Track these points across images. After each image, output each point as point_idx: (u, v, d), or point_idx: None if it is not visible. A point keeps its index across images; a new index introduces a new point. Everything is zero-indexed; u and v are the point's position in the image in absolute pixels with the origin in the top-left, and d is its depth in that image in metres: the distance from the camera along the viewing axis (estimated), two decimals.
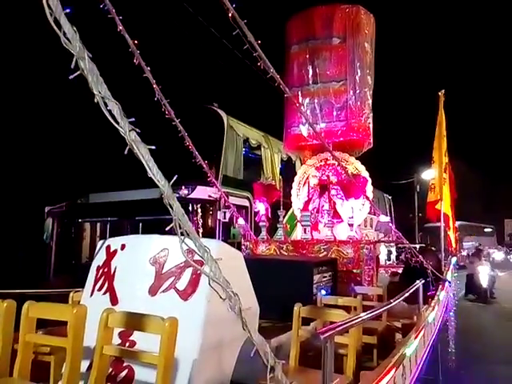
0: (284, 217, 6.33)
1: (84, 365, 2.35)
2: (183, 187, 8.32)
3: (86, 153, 10.57)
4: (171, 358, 1.95)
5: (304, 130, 6.50)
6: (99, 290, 2.86)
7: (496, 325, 11.47)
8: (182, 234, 1.58)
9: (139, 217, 8.95)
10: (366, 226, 8.50)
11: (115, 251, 2.96)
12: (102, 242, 3.11)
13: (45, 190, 10.02)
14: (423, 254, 7.65)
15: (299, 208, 6.48)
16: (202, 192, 8.54)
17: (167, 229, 1.59)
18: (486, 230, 50.57)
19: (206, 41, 15.54)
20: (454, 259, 9.47)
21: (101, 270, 2.95)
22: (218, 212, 8.62)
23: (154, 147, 1.49)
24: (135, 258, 2.87)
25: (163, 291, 2.64)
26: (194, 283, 2.62)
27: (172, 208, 1.56)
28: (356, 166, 6.22)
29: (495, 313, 13.36)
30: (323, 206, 6.30)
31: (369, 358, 4.15)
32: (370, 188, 5.92)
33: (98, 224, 10.00)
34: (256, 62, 4.25)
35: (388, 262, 12.36)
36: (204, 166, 5.78)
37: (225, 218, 8.45)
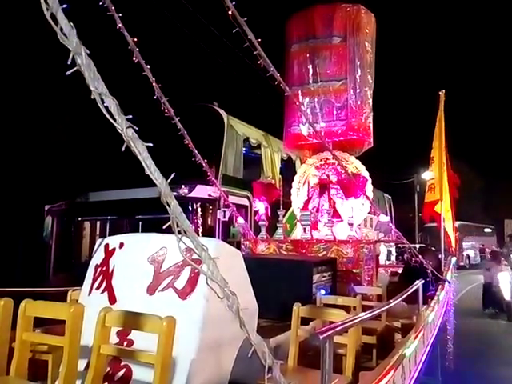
0: (284, 216, 6.32)
1: (82, 364, 2.33)
2: (183, 186, 8.31)
3: (85, 151, 10.55)
4: (169, 357, 1.93)
5: (304, 129, 6.49)
6: (97, 288, 2.85)
7: None
8: (179, 232, 1.56)
9: (139, 215, 8.94)
10: (365, 226, 8.49)
11: (113, 250, 2.95)
12: (100, 240, 3.09)
13: (44, 189, 10.00)
14: (423, 254, 7.64)
15: (299, 207, 6.47)
16: (201, 191, 8.52)
17: (164, 227, 1.57)
18: (485, 230, 50.54)
19: (206, 39, 15.53)
20: (453, 259, 9.45)
21: (99, 269, 2.93)
22: (218, 211, 8.60)
23: (151, 144, 1.47)
24: (133, 256, 2.85)
25: (161, 290, 2.62)
26: (192, 282, 2.61)
27: (169, 206, 1.54)
28: (356, 166, 6.21)
29: None
30: (323, 205, 6.29)
31: (368, 358, 4.13)
32: (369, 187, 5.91)
33: (98, 223, 9.99)
34: (256, 60, 4.24)
35: (388, 262, 12.34)
36: (203, 164, 5.77)
37: (224, 217, 8.44)
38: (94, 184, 9.64)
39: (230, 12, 3.66)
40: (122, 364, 2.46)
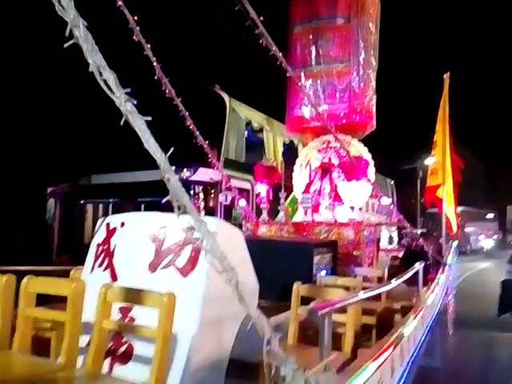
0: (286, 199, 6.33)
1: (84, 340, 2.37)
2: (185, 169, 8.30)
3: (88, 134, 10.54)
4: (169, 332, 1.96)
5: (306, 111, 6.45)
6: (99, 266, 2.87)
7: None
8: (178, 208, 1.57)
9: (141, 198, 8.97)
10: (367, 211, 8.50)
11: (115, 229, 2.96)
12: (101, 219, 3.11)
13: (47, 171, 10.02)
14: (424, 239, 7.66)
15: (300, 190, 6.47)
16: (203, 174, 8.52)
17: (163, 201, 1.57)
18: (487, 216, 50.49)
19: (207, 20, 15.33)
20: (455, 243, 9.47)
21: (100, 248, 2.95)
22: (220, 194, 8.60)
23: (149, 118, 1.47)
24: (135, 235, 2.87)
25: (163, 268, 2.64)
26: (193, 260, 2.63)
27: (169, 182, 1.54)
28: (358, 149, 6.18)
29: None
30: (324, 188, 6.28)
31: (368, 338, 4.18)
32: (371, 170, 5.89)
33: (100, 205, 10.03)
34: (258, 40, 4.19)
35: (389, 247, 12.40)
36: (205, 145, 5.76)
37: (226, 201, 8.44)
38: (97, 166, 9.65)
39: None
40: (124, 340, 2.49)
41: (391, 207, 6.00)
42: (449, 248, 8.72)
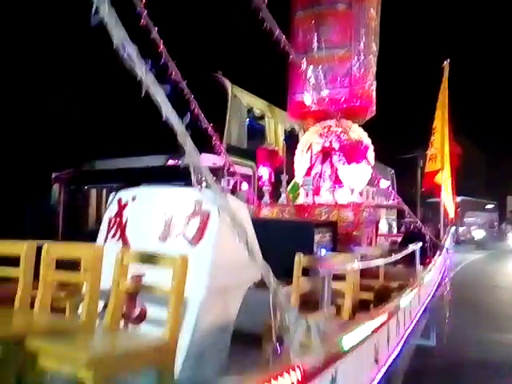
0: (288, 183, 6.48)
1: (99, 305, 2.54)
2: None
3: (92, 119, 10.64)
4: (182, 292, 2.12)
5: (308, 96, 6.57)
6: (112, 237, 3.04)
7: None
8: (194, 169, 1.71)
9: (145, 183, 9.09)
10: (367, 197, 8.62)
11: (126, 203, 3.13)
12: (113, 194, 3.27)
13: (51, 156, 10.14)
14: (423, 223, 7.85)
15: (302, 174, 6.62)
16: (206, 160, 8.64)
17: (180, 163, 1.72)
18: (487, 206, 50.64)
19: (210, 6, 15.29)
20: (453, 228, 9.65)
21: (113, 221, 3.12)
22: (222, 179, 8.75)
23: (168, 86, 1.61)
24: (146, 208, 3.03)
25: (173, 238, 2.81)
26: (201, 231, 2.79)
27: (185, 146, 1.69)
28: (359, 133, 6.32)
29: None
30: (325, 171, 6.43)
31: (366, 312, 4.37)
32: (371, 154, 6.04)
33: (104, 190, 10.18)
34: (261, 26, 4.29)
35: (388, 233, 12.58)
36: (209, 128, 5.88)
37: (229, 186, 8.59)
38: (101, 152, 9.77)
39: None
40: (137, 303, 2.67)
41: (389, 190, 6.15)
42: (447, 232, 8.91)
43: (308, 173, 6.47)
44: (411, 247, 5.04)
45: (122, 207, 3.12)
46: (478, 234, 34.06)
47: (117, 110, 9.51)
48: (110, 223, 3.14)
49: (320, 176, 6.44)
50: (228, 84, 9.74)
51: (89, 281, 2.22)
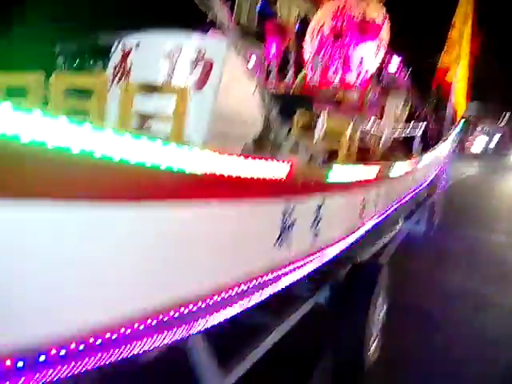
0: (295, 62, 6.35)
1: None
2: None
3: None
4: (184, 115, 2.23)
5: None
6: (117, 84, 3.11)
7: None
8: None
9: None
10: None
11: (130, 50, 3.14)
12: (116, 42, 3.27)
13: (55, 28, 9.81)
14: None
15: (310, 55, 6.46)
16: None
17: None
18: (502, 117, 49.47)
19: None
20: (460, 124, 9.62)
21: (117, 68, 3.16)
22: None
23: None
24: (149, 54, 3.06)
25: (177, 83, 2.88)
26: (203, 78, 2.85)
27: None
28: (376, 9, 5.99)
29: None
30: (334, 54, 6.26)
31: None
32: (386, 32, 5.80)
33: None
34: None
35: None
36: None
37: None
38: (105, 26, 9.40)
39: None
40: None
41: (398, 72, 6.01)
42: (452, 128, 8.93)
43: (317, 52, 6.30)
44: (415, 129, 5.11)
45: (125, 54, 3.14)
46: (478, 146, 31.91)
47: None
48: (114, 71, 3.19)
49: (329, 58, 6.27)
50: None
51: (95, 107, 2.33)
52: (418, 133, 5.62)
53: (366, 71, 5.56)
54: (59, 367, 1.28)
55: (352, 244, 3.51)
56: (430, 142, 7.52)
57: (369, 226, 3.59)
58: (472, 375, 4.03)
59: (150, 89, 2.33)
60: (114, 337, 1.33)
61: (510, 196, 18.06)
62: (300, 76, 7.03)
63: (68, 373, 1.36)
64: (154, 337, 1.54)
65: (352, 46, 5.95)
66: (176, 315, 1.51)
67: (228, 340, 2.94)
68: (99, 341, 1.30)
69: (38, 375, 1.23)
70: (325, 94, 5.61)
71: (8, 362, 1.10)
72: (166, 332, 1.58)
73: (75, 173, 1.19)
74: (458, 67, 8.54)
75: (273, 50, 6.07)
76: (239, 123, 2.97)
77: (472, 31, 8.32)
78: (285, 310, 3.43)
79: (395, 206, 4.68)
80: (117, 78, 3.10)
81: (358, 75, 5.68)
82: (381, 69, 5.74)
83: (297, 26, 11.01)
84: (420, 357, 4.25)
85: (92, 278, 1.26)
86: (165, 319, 1.48)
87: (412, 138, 6.53)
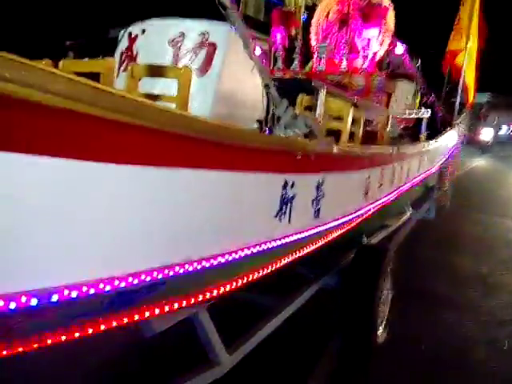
0: (301, 50, 6.35)
1: None
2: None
3: None
4: (187, 98, 2.30)
5: None
6: (124, 70, 3.19)
7: None
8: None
9: None
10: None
11: (136, 36, 3.22)
12: (123, 30, 3.34)
13: (65, 24, 9.92)
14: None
15: (316, 40, 6.46)
16: None
17: None
18: None
19: None
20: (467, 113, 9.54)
21: (124, 55, 3.25)
22: None
23: None
24: (155, 40, 3.13)
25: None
26: (207, 63, 2.92)
27: None
28: None
29: None
30: (341, 40, 6.25)
31: None
32: (391, 17, 5.76)
33: None
34: None
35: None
36: None
37: None
38: (114, 20, 9.48)
39: None
40: None
41: (404, 56, 5.98)
42: (464, 115, 8.84)
43: (323, 39, 6.30)
44: (421, 113, 5.09)
45: (132, 41, 3.22)
46: (487, 135, 29.47)
47: None
48: (121, 58, 3.27)
49: (335, 44, 6.27)
50: None
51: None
52: (425, 118, 5.59)
53: (374, 54, 5.53)
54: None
55: (357, 225, 3.54)
56: (439, 128, 7.47)
57: (375, 206, 3.62)
58: (481, 357, 4.05)
59: (155, 71, 2.39)
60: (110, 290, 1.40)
61: None
62: (308, 66, 7.04)
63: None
64: (152, 297, 1.61)
65: (358, 29, 5.93)
66: (172, 278, 1.58)
67: (235, 320, 3.02)
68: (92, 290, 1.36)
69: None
70: (331, 79, 5.61)
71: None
72: (161, 297, 1.66)
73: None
74: (466, 53, 8.45)
75: (279, 38, 6.08)
76: (242, 106, 3.03)
77: (479, 22, 8.22)
78: (293, 293, 3.49)
79: (403, 189, 4.69)
80: (124, 64, 3.18)
81: (365, 59, 5.67)
82: (388, 53, 5.70)
83: (305, 15, 11.01)
84: (429, 339, 4.28)
85: (84, 233, 1.32)
86: (160, 282, 1.55)
87: (421, 125, 6.51)
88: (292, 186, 2.00)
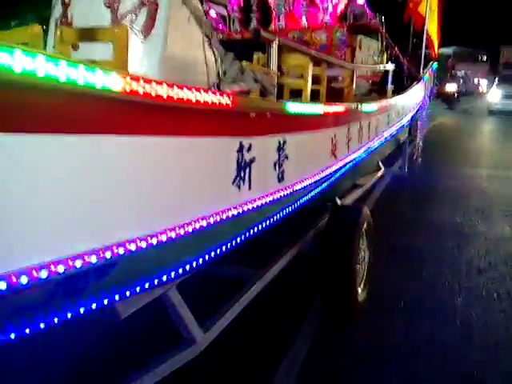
0: (258, 8, 6.04)
1: None
2: None
3: None
4: (126, 61, 2.06)
5: None
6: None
7: None
8: None
9: None
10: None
11: (69, 1, 2.90)
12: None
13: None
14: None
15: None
16: None
17: None
18: (479, 57, 49.05)
19: None
20: (435, 64, 9.45)
21: (58, 22, 2.93)
22: None
23: None
24: (89, 4, 2.83)
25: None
26: (150, 23, 2.64)
27: None
28: None
29: None
30: None
31: None
32: None
33: None
34: None
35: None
36: None
37: None
38: None
39: None
40: None
41: (365, 7, 5.76)
42: (428, 68, 8.74)
43: None
44: (385, 66, 4.94)
45: (66, 6, 2.91)
46: (455, 87, 28.13)
47: None
48: (56, 25, 2.96)
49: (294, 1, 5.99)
50: None
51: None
52: (390, 71, 5.43)
53: (334, 6, 5.30)
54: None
55: (328, 186, 3.42)
56: (405, 82, 7.35)
57: (344, 164, 3.49)
58: (462, 305, 4.07)
59: (87, 34, 2.14)
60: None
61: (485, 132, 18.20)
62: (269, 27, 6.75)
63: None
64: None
65: None
66: (125, 252, 1.42)
67: (209, 298, 2.90)
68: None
69: None
70: (292, 36, 5.39)
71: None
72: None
73: None
74: (428, 3, 8.27)
75: None
76: (193, 69, 2.79)
77: None
78: (268, 260, 3.38)
79: (372, 145, 4.57)
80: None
81: (325, 12, 5.44)
82: (348, 4, 5.47)
83: None
84: (408, 293, 4.28)
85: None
86: (110, 263, 1.39)
87: (387, 80, 6.37)
88: (249, 149, 1.83)
